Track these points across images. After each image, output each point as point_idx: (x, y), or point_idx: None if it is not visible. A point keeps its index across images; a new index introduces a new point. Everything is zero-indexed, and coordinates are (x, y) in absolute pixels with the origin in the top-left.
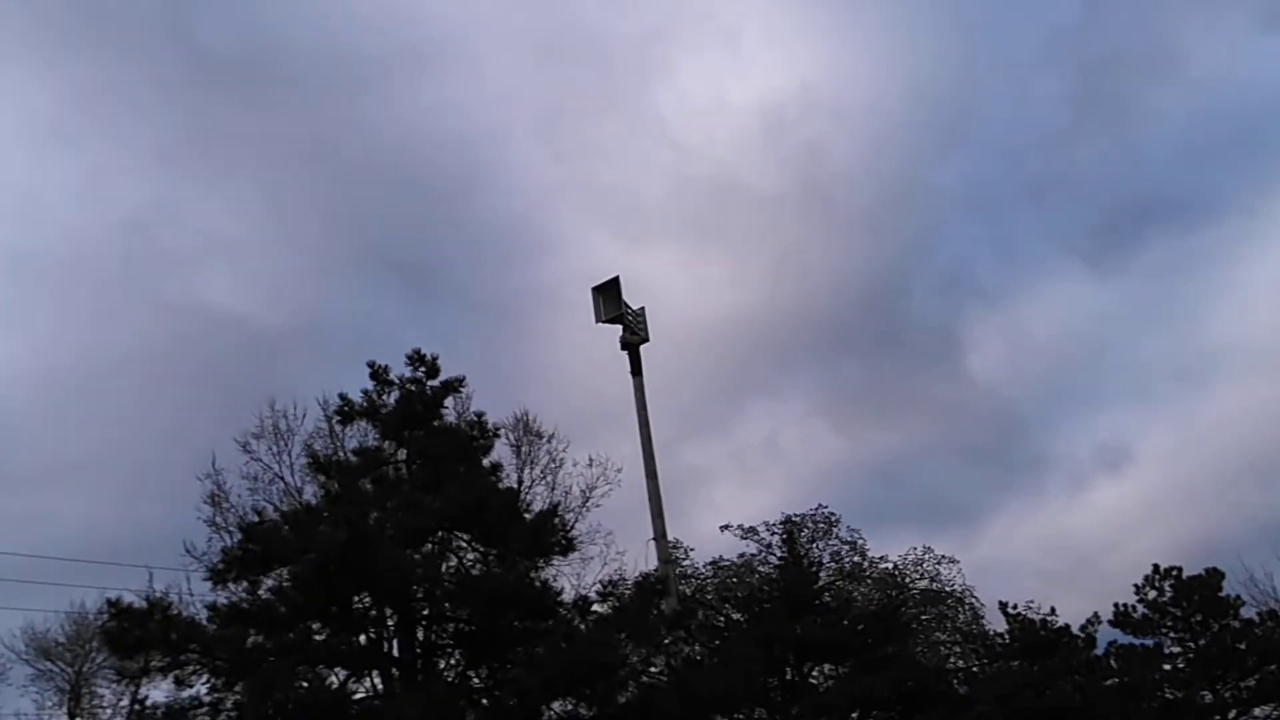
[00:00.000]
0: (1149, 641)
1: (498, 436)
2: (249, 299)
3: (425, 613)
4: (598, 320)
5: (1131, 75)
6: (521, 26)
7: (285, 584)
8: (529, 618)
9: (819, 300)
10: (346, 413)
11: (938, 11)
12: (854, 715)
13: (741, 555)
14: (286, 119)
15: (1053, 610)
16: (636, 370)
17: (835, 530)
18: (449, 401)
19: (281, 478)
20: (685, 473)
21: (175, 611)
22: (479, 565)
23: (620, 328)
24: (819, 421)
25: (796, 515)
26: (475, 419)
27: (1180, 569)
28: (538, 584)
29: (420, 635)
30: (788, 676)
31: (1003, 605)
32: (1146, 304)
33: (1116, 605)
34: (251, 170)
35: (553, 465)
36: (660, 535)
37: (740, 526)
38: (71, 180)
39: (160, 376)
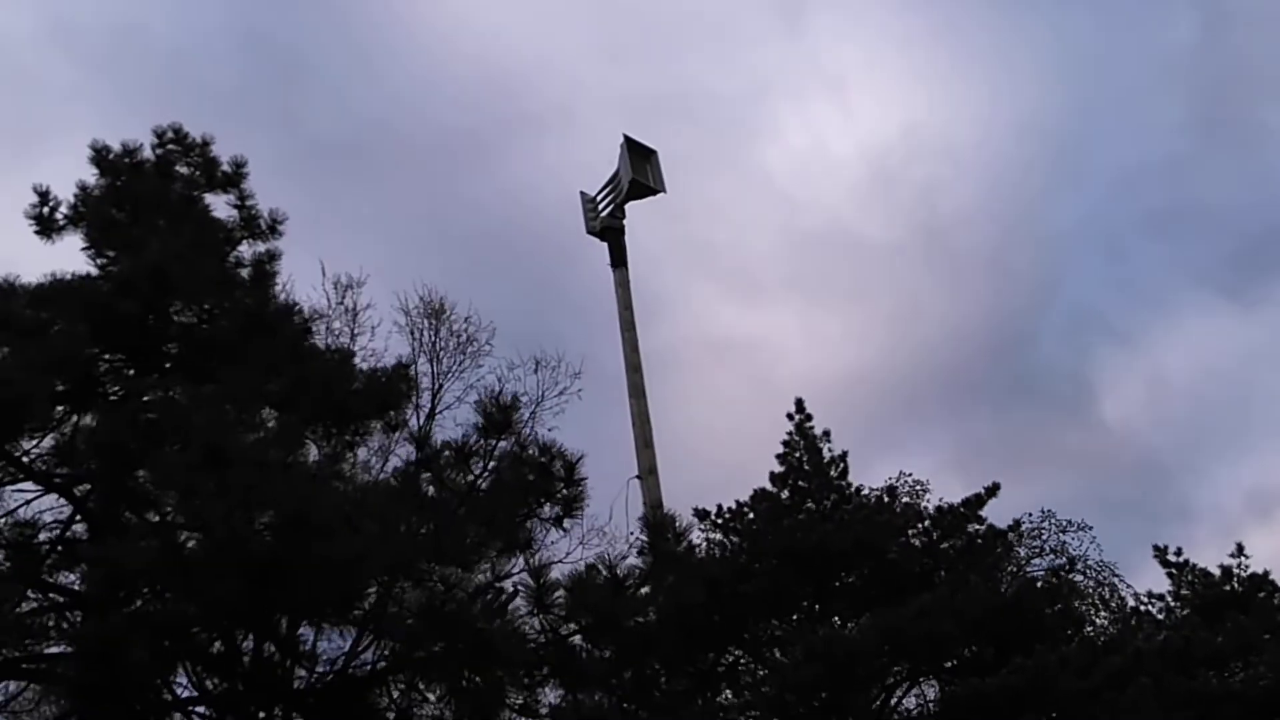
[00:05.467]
0: None
1: (279, 232)
2: None
3: None
4: (630, 175)
5: (1253, 95)
6: (625, 89)
7: None
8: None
9: (943, 350)
10: (44, 218)
11: (1044, 41)
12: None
13: None
14: (392, 198)
15: (1239, 549)
16: (618, 261)
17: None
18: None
19: None
20: None
21: None
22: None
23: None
24: (950, 477)
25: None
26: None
27: None
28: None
29: None
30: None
31: (1159, 552)
32: None
33: None
34: (358, 252)
35: (470, 363)
36: (649, 471)
37: None
38: None
39: None
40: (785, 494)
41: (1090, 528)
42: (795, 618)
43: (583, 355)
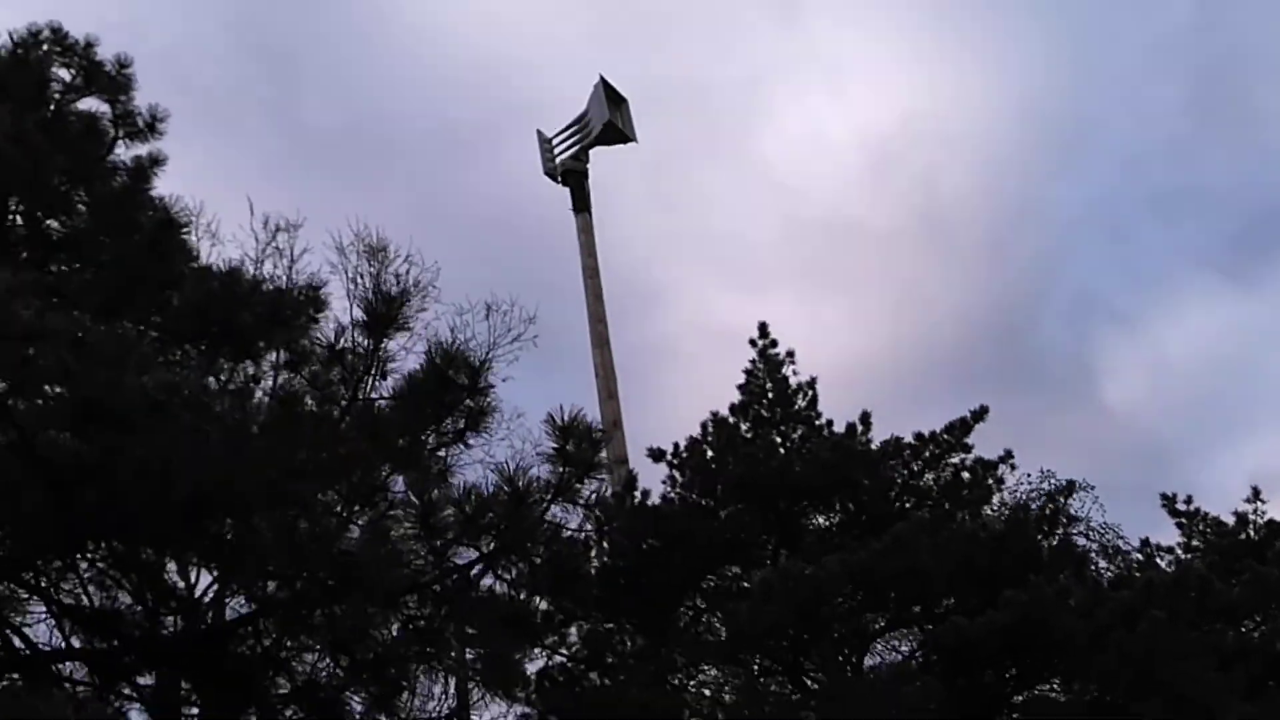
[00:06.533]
0: None
1: (159, 131)
2: None
3: None
4: (605, 118)
5: (1251, 76)
6: (622, 79)
7: None
8: None
9: (944, 336)
10: None
11: (1040, 25)
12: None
13: None
14: (390, 188)
15: (1256, 494)
16: (581, 205)
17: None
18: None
19: None
20: None
21: None
22: None
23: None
24: None
25: None
26: None
27: None
28: None
29: None
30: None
31: (1168, 501)
32: None
33: None
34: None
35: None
36: (613, 424)
37: None
38: None
39: None
40: (745, 426)
41: (1093, 488)
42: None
43: (537, 301)
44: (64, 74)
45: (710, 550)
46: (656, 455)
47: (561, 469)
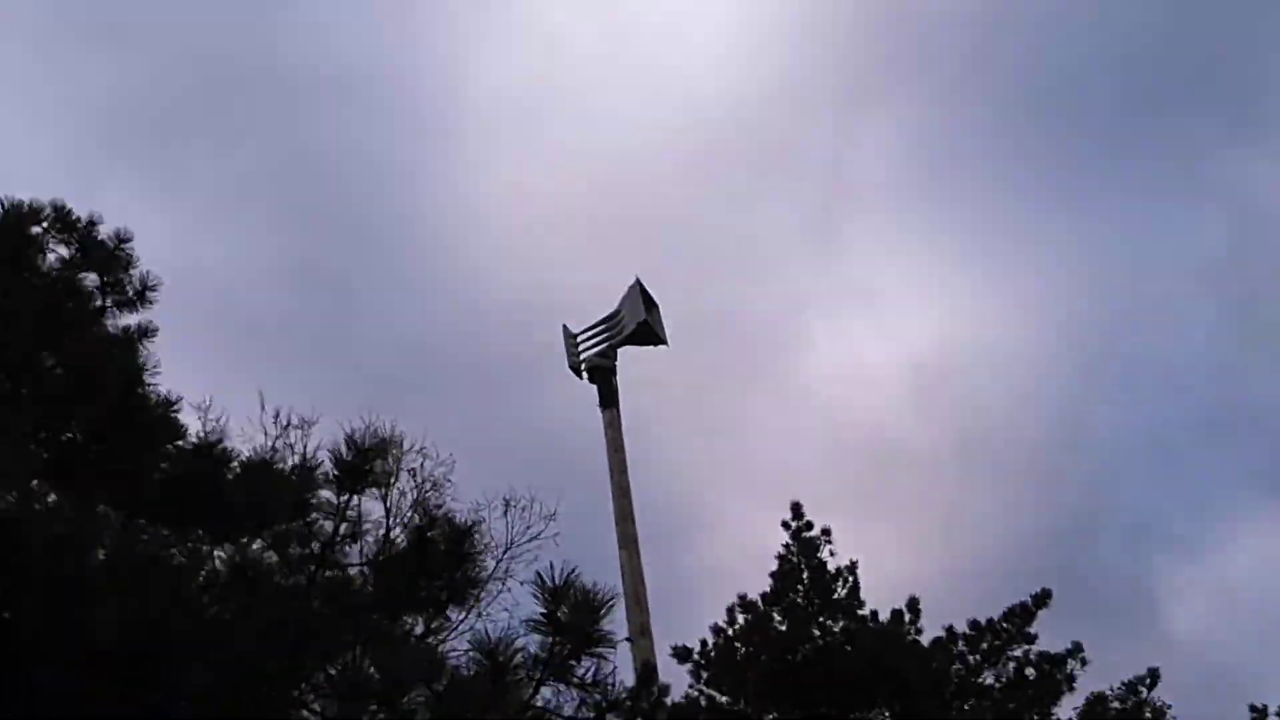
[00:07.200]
0: None
1: (149, 300)
2: None
3: None
4: (641, 317)
5: None
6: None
7: None
8: None
9: (995, 560)
10: None
11: (1079, 252)
12: None
13: None
14: (428, 410)
15: None
16: (608, 401)
17: None
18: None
19: None
20: None
21: None
22: None
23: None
24: None
25: None
26: None
27: None
28: None
29: None
30: None
31: (1257, 712)
32: None
33: None
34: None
35: (424, 493)
36: (640, 632)
37: None
38: None
39: None
40: (779, 617)
41: (1169, 707)
42: None
43: (558, 496)
44: (63, 250)
45: None
46: (682, 654)
47: (552, 640)
